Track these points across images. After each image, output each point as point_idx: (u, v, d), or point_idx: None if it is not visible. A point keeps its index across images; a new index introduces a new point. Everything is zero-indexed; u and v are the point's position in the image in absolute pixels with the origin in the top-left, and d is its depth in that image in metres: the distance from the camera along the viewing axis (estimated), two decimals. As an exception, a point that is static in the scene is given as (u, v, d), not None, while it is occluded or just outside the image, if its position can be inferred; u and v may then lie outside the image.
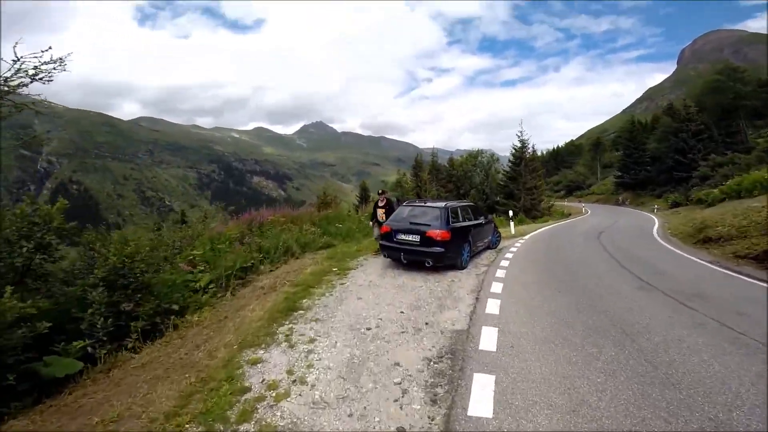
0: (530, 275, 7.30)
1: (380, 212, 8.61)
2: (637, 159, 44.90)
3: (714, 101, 38.46)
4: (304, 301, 5.40)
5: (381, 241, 7.55)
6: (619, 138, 75.45)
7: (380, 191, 9.20)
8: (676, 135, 36.79)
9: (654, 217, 26.05)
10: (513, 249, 10.43)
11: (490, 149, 36.25)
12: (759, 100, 37.37)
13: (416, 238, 6.94)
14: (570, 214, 35.20)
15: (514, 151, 30.27)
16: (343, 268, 7.29)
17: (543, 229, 18.45)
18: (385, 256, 7.62)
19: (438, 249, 6.77)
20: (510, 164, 30.75)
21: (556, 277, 7.21)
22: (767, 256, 8.80)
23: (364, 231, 12.22)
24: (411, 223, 7.19)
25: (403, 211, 7.77)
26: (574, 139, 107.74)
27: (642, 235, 16.16)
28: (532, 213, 29.10)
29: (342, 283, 6.28)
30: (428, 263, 6.87)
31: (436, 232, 6.78)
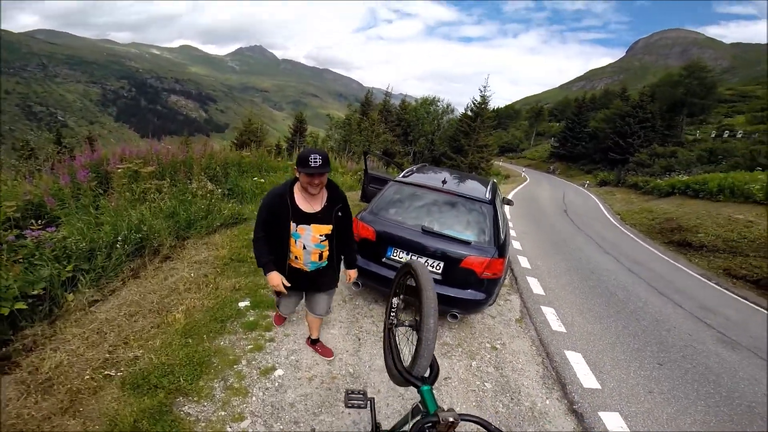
0: (589, 318, 4.54)
1: None
2: (577, 134, 46.34)
3: (667, 94, 39.49)
4: None
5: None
6: (556, 110, 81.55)
7: None
8: (623, 118, 37.43)
9: (592, 195, 26.00)
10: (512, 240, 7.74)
11: (445, 98, 33.12)
12: (703, 100, 39.51)
13: (435, 265, 3.38)
14: (509, 176, 34.77)
15: (473, 105, 27.57)
16: (261, 303, 3.53)
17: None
18: (357, 286, 3.79)
19: (479, 295, 3.35)
20: (466, 118, 28.13)
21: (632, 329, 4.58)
22: None
23: None
24: (425, 231, 3.48)
25: (398, 194, 3.85)
26: (512, 102, 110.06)
27: (605, 221, 15.17)
28: (477, 171, 27.53)
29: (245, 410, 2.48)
30: (453, 317, 3.49)
31: (483, 261, 3.26)
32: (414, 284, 1.37)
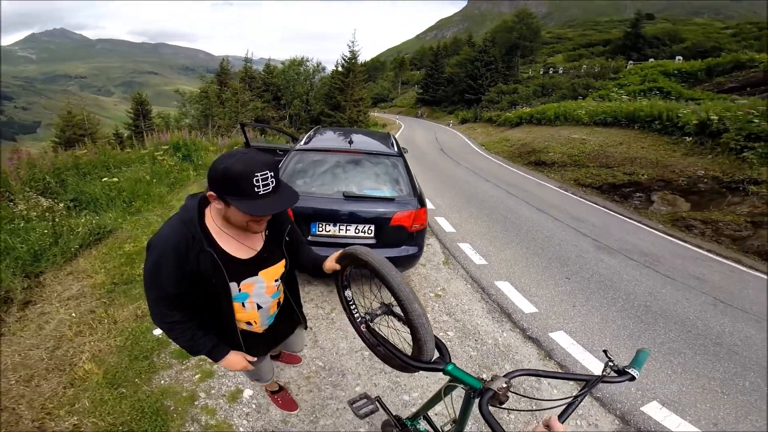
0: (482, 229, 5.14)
1: None
2: (437, 80, 49.83)
3: (504, 38, 45.14)
4: None
5: None
6: (415, 59, 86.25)
7: None
8: (472, 63, 41.62)
9: (457, 132, 28.50)
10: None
11: (314, 58, 31.72)
12: (531, 43, 46.95)
13: (366, 229, 3.30)
14: (385, 125, 35.72)
15: (344, 61, 27.22)
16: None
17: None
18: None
19: (411, 249, 3.37)
20: (338, 74, 27.70)
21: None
22: (611, 189, 9.81)
23: (166, 176, 7.11)
24: (347, 196, 3.27)
25: (302, 163, 3.46)
26: (377, 55, 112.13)
27: (475, 153, 17.05)
28: (357, 124, 27.98)
29: None
30: None
31: (410, 214, 3.23)
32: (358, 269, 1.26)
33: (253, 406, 2.28)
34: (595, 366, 2.93)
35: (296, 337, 1.93)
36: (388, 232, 3.27)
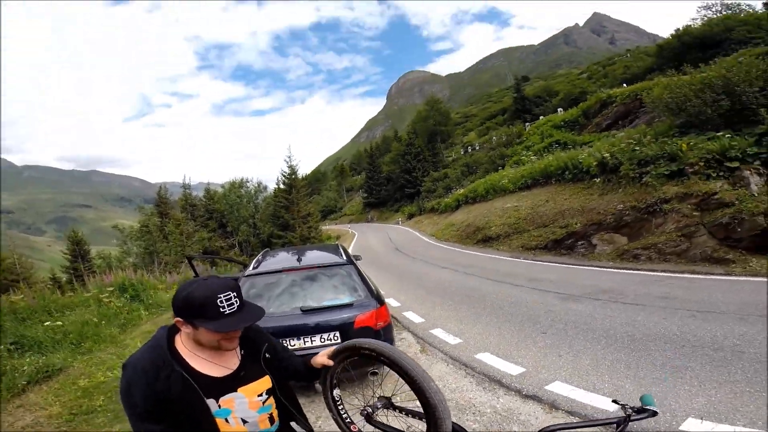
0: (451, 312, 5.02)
1: None
2: (377, 180, 52.97)
3: (423, 128, 50.78)
4: None
5: None
6: (354, 163, 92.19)
7: None
8: (403, 157, 45.16)
9: (407, 228, 29.71)
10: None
11: (254, 177, 32.60)
12: (446, 127, 53.50)
13: (331, 337, 3.34)
14: (339, 237, 36.06)
15: (283, 177, 27.45)
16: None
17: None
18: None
19: None
20: (280, 192, 27.78)
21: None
22: (555, 245, 10.40)
23: (115, 318, 6.77)
24: (305, 311, 3.39)
25: (254, 287, 3.62)
26: (317, 166, 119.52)
27: (427, 244, 17.62)
28: (310, 241, 27.57)
29: None
30: (374, 374, 3.36)
31: (371, 314, 3.39)
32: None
33: None
34: (602, 402, 2.85)
35: None
36: (354, 336, 3.28)
